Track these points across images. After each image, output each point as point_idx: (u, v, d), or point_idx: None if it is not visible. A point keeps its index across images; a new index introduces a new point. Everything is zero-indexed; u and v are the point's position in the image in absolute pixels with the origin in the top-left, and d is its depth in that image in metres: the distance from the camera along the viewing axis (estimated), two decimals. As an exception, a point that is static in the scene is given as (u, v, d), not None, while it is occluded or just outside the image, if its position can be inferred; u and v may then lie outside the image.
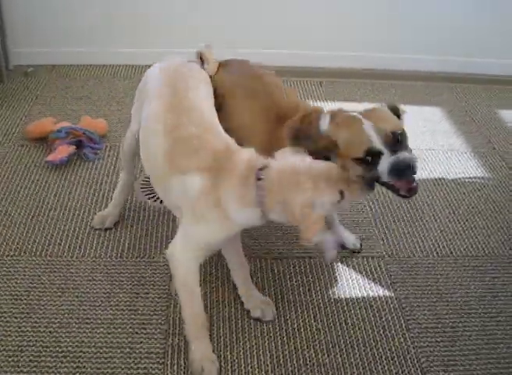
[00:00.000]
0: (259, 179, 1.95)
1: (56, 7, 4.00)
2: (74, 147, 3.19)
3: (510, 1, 4.20)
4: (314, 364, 2.19)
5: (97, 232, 2.72)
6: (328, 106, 3.74)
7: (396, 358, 2.23)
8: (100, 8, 4.04)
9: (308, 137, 2.18)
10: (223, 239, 2.10)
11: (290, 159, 1.99)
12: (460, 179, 3.25)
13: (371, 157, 2.04)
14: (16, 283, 2.43)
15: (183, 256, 2.09)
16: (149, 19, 4.11)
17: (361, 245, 2.71)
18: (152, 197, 2.95)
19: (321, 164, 1.98)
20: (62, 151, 3.13)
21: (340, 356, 2.23)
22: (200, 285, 2.14)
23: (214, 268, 2.56)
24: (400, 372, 2.18)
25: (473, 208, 3.03)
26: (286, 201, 1.91)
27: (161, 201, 2.89)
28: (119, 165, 3.15)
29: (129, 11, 4.07)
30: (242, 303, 2.39)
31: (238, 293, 2.41)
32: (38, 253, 2.59)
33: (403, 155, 2.02)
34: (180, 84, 2.26)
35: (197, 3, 4.07)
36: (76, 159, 3.19)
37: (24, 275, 2.48)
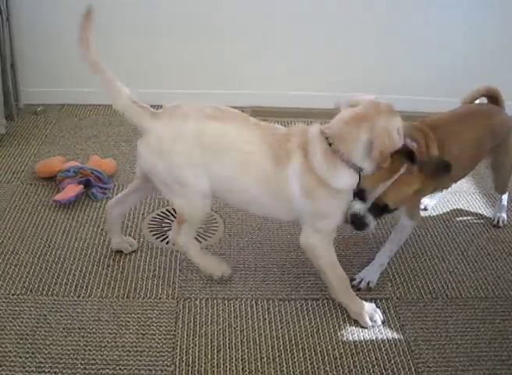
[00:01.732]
0: (330, 144, 2.29)
1: (66, 47, 4.01)
2: (82, 186, 3.20)
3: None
4: (322, 408, 2.16)
5: (103, 272, 2.71)
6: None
7: (405, 403, 2.20)
8: (109, 49, 4.07)
9: None
10: (343, 215, 2.43)
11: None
12: (468, 220, 3.23)
13: None
14: (22, 322, 2.42)
15: (322, 243, 2.46)
16: (160, 60, 4.14)
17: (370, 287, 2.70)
18: (159, 237, 2.95)
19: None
20: (70, 190, 3.13)
21: (349, 400, 2.20)
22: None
23: (221, 309, 2.55)
24: (410, 416, 2.15)
25: (482, 249, 3.01)
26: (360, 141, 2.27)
27: (168, 242, 2.90)
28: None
29: (139, 51, 4.11)
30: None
31: None
32: (45, 292, 2.58)
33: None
34: (241, 115, 2.49)
35: (203, 47, 4.13)
36: (84, 199, 3.20)
37: (30, 314, 2.46)
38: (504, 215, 3.25)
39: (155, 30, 4.04)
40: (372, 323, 2.50)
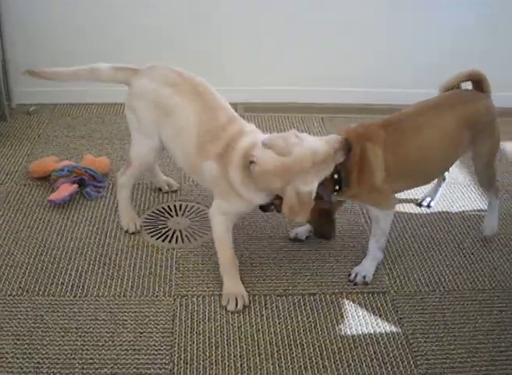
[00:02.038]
0: (252, 162, 2.35)
1: (59, 46, 4.03)
2: (76, 185, 3.18)
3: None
4: (321, 403, 2.16)
5: (100, 271, 2.70)
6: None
7: (404, 396, 2.20)
8: (101, 48, 4.07)
9: None
10: (245, 212, 2.69)
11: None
12: (464, 212, 3.23)
13: None
14: (19, 323, 2.41)
15: (219, 218, 2.61)
16: (151, 58, 4.13)
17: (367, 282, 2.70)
18: (154, 234, 2.94)
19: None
20: (64, 190, 3.12)
21: (348, 394, 2.20)
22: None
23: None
24: (409, 409, 2.15)
25: (478, 241, 3.01)
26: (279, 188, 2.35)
27: (164, 240, 2.89)
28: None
29: (131, 50, 4.09)
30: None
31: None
32: (41, 293, 2.57)
33: None
34: (199, 89, 2.66)
35: (202, 43, 4.12)
36: (78, 198, 3.19)
37: (27, 315, 2.45)
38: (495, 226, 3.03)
39: (150, 29, 4.03)
40: (234, 308, 2.55)
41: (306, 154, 2.31)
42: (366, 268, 2.72)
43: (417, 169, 2.64)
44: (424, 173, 2.73)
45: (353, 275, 2.71)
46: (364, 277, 2.69)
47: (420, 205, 3.27)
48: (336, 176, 2.45)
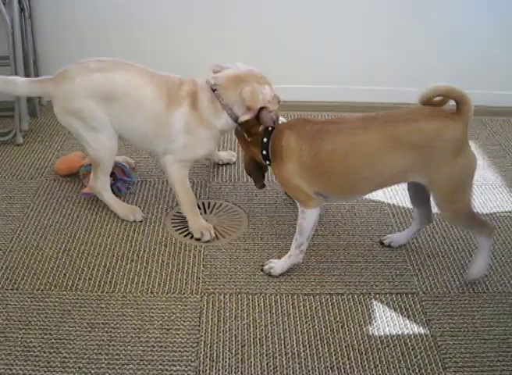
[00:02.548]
0: (214, 90, 2.82)
1: (87, 44, 4.05)
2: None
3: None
4: (347, 403, 2.15)
5: (127, 267, 2.71)
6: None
7: (432, 398, 2.17)
8: (130, 47, 4.08)
9: None
10: (212, 149, 3.04)
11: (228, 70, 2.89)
12: (495, 213, 3.19)
13: None
14: (46, 317, 2.42)
15: (177, 166, 2.91)
16: (182, 59, 4.14)
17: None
18: (183, 232, 2.94)
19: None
20: None
21: (375, 395, 2.18)
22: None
23: (245, 304, 2.54)
24: (437, 412, 2.12)
25: (509, 242, 2.96)
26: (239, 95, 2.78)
27: (192, 237, 2.89)
28: (150, 199, 3.16)
29: (160, 52, 4.10)
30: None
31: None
32: (68, 287, 2.58)
33: None
34: (130, 67, 2.86)
35: (215, 42, 4.12)
36: (107, 194, 3.20)
37: (54, 309, 2.47)
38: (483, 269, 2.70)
39: (183, 33, 4.04)
40: (210, 237, 2.89)
41: (253, 69, 2.89)
42: (279, 262, 2.70)
43: (335, 176, 2.52)
44: (344, 183, 2.56)
45: (266, 264, 2.73)
46: (271, 269, 2.70)
47: (381, 242, 2.95)
48: (264, 152, 2.62)
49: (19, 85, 2.84)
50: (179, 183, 2.94)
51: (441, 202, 2.55)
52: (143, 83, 2.81)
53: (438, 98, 2.43)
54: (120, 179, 3.22)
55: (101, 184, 2.99)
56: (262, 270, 2.72)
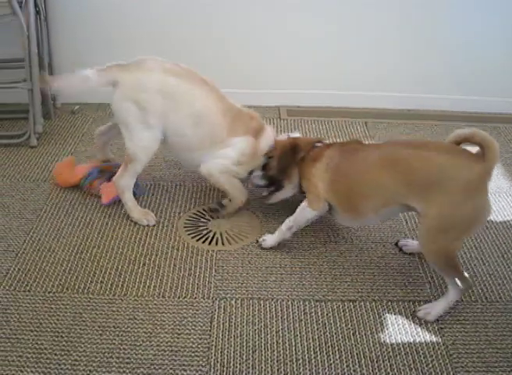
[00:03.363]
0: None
1: (102, 47, 4.06)
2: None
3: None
4: (358, 411, 2.13)
5: (139, 271, 2.71)
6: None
7: (443, 407, 2.16)
8: (145, 50, 4.08)
9: None
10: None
11: None
12: (509, 222, 3.17)
13: None
14: (58, 319, 2.43)
15: (224, 176, 3.02)
16: (196, 61, 4.13)
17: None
18: (195, 236, 2.94)
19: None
20: (110, 189, 3.12)
21: (386, 403, 2.17)
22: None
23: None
24: (448, 421, 2.11)
25: (523, 252, 2.96)
26: None
27: (204, 241, 2.89)
28: (163, 203, 3.16)
29: (176, 53, 4.11)
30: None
31: None
32: (80, 290, 2.58)
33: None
34: (202, 77, 2.95)
35: (231, 46, 4.14)
36: (120, 197, 3.20)
37: (66, 312, 2.47)
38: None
39: (200, 33, 4.04)
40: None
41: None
42: (271, 237, 2.88)
43: (342, 188, 2.66)
44: (347, 198, 2.65)
45: (261, 237, 2.93)
46: (263, 242, 2.90)
47: (396, 243, 2.97)
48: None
49: (91, 78, 2.90)
50: (228, 184, 3.04)
51: (422, 237, 2.47)
52: (214, 105, 2.92)
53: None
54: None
55: (125, 182, 2.98)
56: (257, 241, 2.93)
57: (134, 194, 3.13)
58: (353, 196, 2.62)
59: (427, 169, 2.35)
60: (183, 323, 2.44)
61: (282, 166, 2.94)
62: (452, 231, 2.35)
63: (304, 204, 2.75)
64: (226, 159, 2.98)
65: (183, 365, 2.25)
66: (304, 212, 2.74)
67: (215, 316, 2.48)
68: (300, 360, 2.30)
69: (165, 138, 2.95)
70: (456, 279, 2.46)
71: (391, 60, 4.20)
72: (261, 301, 2.57)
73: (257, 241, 2.91)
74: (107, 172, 3.22)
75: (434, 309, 2.51)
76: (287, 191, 3.01)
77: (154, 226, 3.02)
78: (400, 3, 4.00)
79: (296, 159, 2.88)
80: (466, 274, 2.49)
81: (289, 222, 2.80)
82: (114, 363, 2.24)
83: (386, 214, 2.64)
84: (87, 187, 3.21)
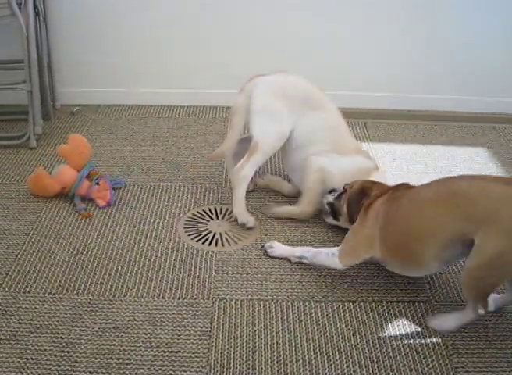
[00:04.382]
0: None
1: (102, 48, 4.08)
2: (103, 181, 3.21)
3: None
4: (358, 411, 2.13)
5: (139, 272, 2.71)
6: (374, 146, 3.78)
7: (444, 408, 2.16)
8: (146, 50, 4.10)
9: None
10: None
11: None
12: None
13: None
14: (57, 321, 2.43)
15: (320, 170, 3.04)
16: (195, 62, 4.15)
17: None
18: (195, 237, 2.94)
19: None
20: (102, 192, 3.16)
21: (386, 404, 2.17)
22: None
23: (256, 310, 2.53)
24: (449, 422, 2.11)
25: (522, 252, 2.95)
26: None
27: (204, 242, 2.89)
28: (162, 204, 3.16)
29: (176, 54, 4.12)
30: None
31: None
32: (80, 292, 2.58)
33: None
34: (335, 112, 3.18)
35: (238, 48, 4.15)
36: (119, 199, 3.20)
37: (66, 313, 2.47)
38: None
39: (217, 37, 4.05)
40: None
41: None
42: (279, 247, 2.83)
43: (392, 235, 2.47)
44: (399, 244, 2.46)
45: (268, 242, 2.88)
46: (269, 248, 2.83)
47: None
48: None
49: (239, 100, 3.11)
50: (312, 184, 3.02)
51: (470, 271, 2.23)
52: (342, 120, 3.17)
53: None
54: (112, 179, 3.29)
55: (245, 172, 3.01)
56: (263, 247, 2.86)
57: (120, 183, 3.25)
58: (408, 245, 2.41)
59: (485, 199, 2.16)
60: (183, 324, 2.44)
61: (348, 206, 2.79)
62: (502, 269, 2.17)
63: (335, 251, 2.62)
64: (336, 165, 3.02)
65: (183, 366, 2.25)
66: (330, 261, 2.62)
67: (215, 317, 2.48)
68: (300, 361, 2.30)
69: (291, 135, 3.06)
70: (479, 305, 2.32)
71: (391, 60, 4.20)
72: (261, 302, 2.57)
73: (263, 246, 2.86)
74: (94, 176, 3.23)
75: (449, 320, 2.46)
76: (337, 223, 2.98)
77: (251, 228, 3.02)
78: (400, 3, 4.00)
79: (360, 205, 2.67)
80: (490, 301, 2.38)
81: (307, 253, 2.72)
82: (114, 364, 2.24)
83: (448, 258, 2.40)
84: (78, 191, 3.16)
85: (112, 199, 3.12)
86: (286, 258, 2.80)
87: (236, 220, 3.04)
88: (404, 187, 2.58)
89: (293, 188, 3.25)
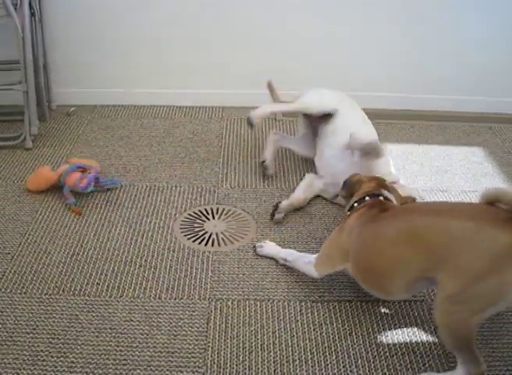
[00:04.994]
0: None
1: (98, 49, 4.08)
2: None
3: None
4: (355, 411, 2.14)
5: (135, 272, 2.70)
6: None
7: (440, 407, 2.16)
8: (141, 52, 4.10)
9: None
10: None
11: None
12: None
13: None
14: (54, 321, 2.42)
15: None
16: (191, 62, 4.15)
17: None
18: (191, 237, 2.94)
19: None
20: (85, 179, 3.15)
21: (382, 404, 2.17)
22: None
23: (253, 310, 2.53)
24: (445, 421, 2.11)
25: (518, 251, 2.95)
26: None
27: (200, 242, 2.89)
28: (158, 205, 3.16)
29: (172, 54, 4.12)
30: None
31: None
32: (77, 292, 2.58)
33: None
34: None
35: (236, 49, 4.15)
36: (116, 199, 3.20)
37: (62, 314, 2.46)
38: None
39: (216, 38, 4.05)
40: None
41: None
42: (269, 246, 2.84)
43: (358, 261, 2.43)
44: (378, 280, 2.39)
45: (260, 241, 2.90)
46: (259, 247, 2.85)
47: None
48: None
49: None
50: None
51: (438, 307, 2.12)
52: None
53: None
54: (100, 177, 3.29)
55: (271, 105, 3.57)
56: (254, 246, 2.87)
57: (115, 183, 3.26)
58: (375, 277, 2.37)
59: (445, 237, 2.08)
60: (180, 324, 2.44)
61: (342, 188, 2.77)
62: (469, 304, 2.04)
63: (312, 259, 2.61)
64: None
65: (180, 366, 2.25)
66: (307, 268, 2.62)
67: (212, 317, 2.48)
68: (297, 361, 2.30)
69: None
70: (469, 361, 2.12)
71: (390, 60, 4.22)
72: (258, 302, 2.57)
73: (254, 246, 2.88)
74: (86, 172, 3.22)
75: None
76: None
77: (252, 124, 3.30)
78: (400, 3, 4.02)
79: (351, 194, 2.67)
80: (480, 358, 2.12)
81: (290, 256, 2.72)
82: (110, 365, 2.24)
83: (417, 289, 2.42)
84: (67, 181, 3.16)
85: (90, 181, 3.13)
86: (273, 259, 2.81)
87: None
88: (378, 208, 2.45)
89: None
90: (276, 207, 3.07)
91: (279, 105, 3.54)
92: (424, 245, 2.14)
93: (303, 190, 3.22)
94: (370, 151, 2.99)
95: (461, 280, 2.02)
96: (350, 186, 2.71)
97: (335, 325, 2.47)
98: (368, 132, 3.28)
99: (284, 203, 3.09)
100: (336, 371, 2.26)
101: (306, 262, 2.64)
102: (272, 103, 3.57)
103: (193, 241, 2.92)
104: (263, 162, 3.45)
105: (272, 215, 3.07)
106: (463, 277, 2.01)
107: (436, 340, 2.41)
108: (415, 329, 2.46)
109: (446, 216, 2.14)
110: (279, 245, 2.86)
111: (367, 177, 2.69)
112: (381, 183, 2.64)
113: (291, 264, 2.72)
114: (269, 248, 2.83)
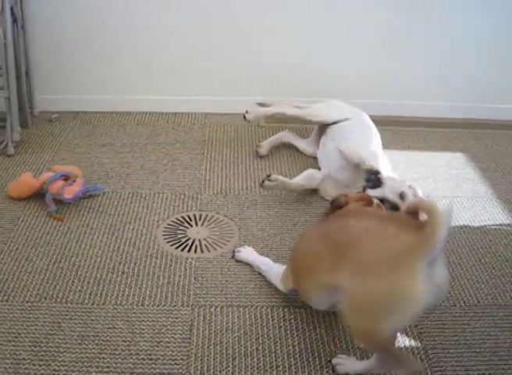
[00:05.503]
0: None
1: (81, 55, 4.06)
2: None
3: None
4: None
5: (118, 279, 2.69)
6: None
7: (423, 412, 2.16)
8: (124, 58, 4.09)
9: None
10: None
11: None
12: (485, 226, 3.20)
13: None
14: (36, 329, 2.41)
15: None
16: (174, 68, 4.15)
17: None
18: (174, 244, 2.94)
19: None
20: (72, 189, 3.14)
21: (366, 409, 2.17)
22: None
23: (236, 316, 2.53)
24: (428, 426, 2.12)
25: (500, 256, 2.97)
26: None
27: (183, 249, 2.88)
28: (141, 212, 3.15)
29: (154, 60, 4.12)
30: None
31: None
32: (59, 300, 2.57)
33: None
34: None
35: (220, 55, 4.15)
36: (98, 206, 3.19)
37: (44, 321, 2.45)
38: None
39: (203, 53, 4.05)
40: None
41: None
42: (246, 252, 2.85)
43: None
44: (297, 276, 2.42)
45: (241, 245, 2.90)
46: (237, 252, 2.85)
47: None
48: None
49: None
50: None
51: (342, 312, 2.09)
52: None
53: None
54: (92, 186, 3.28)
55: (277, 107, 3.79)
56: (233, 251, 2.88)
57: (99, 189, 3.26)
58: (299, 275, 2.39)
59: (347, 239, 2.06)
60: (163, 331, 2.43)
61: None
62: (368, 311, 1.98)
63: (281, 273, 2.58)
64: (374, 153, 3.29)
65: (163, 373, 2.24)
66: (275, 281, 2.63)
67: (195, 324, 2.48)
68: (280, 367, 2.30)
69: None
70: (398, 365, 2.12)
71: (388, 65, 4.26)
72: (241, 309, 2.57)
73: (233, 251, 2.88)
74: (70, 180, 3.20)
75: (350, 367, 2.28)
76: None
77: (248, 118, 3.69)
78: (399, 6, 4.04)
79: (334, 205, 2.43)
80: (408, 357, 2.16)
81: (264, 266, 2.72)
82: (93, 372, 2.23)
83: (329, 298, 2.26)
84: (50, 189, 3.14)
85: (78, 193, 3.13)
86: (249, 265, 2.82)
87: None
88: (338, 213, 2.35)
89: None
90: (269, 176, 3.21)
91: (273, 109, 3.73)
92: (331, 244, 2.13)
93: (302, 177, 3.33)
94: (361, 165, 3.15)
95: (358, 278, 1.96)
96: (337, 206, 2.64)
97: (318, 331, 2.48)
98: (370, 148, 3.40)
99: (280, 177, 3.24)
100: (319, 377, 2.27)
101: (276, 275, 2.62)
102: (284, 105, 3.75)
103: (176, 248, 2.92)
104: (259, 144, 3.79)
105: (263, 182, 3.22)
106: (360, 275, 1.96)
107: (420, 344, 2.42)
108: (398, 334, 2.46)
109: (357, 217, 2.15)
110: (262, 251, 2.86)
111: (355, 197, 2.64)
112: (369, 204, 2.60)
113: (263, 274, 2.73)
114: (247, 253, 2.84)
